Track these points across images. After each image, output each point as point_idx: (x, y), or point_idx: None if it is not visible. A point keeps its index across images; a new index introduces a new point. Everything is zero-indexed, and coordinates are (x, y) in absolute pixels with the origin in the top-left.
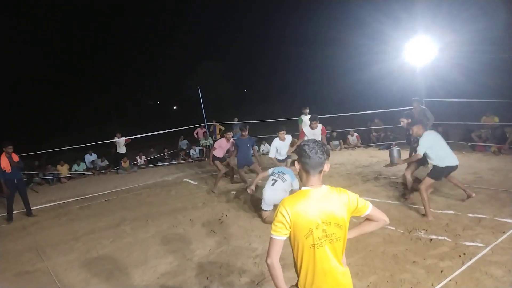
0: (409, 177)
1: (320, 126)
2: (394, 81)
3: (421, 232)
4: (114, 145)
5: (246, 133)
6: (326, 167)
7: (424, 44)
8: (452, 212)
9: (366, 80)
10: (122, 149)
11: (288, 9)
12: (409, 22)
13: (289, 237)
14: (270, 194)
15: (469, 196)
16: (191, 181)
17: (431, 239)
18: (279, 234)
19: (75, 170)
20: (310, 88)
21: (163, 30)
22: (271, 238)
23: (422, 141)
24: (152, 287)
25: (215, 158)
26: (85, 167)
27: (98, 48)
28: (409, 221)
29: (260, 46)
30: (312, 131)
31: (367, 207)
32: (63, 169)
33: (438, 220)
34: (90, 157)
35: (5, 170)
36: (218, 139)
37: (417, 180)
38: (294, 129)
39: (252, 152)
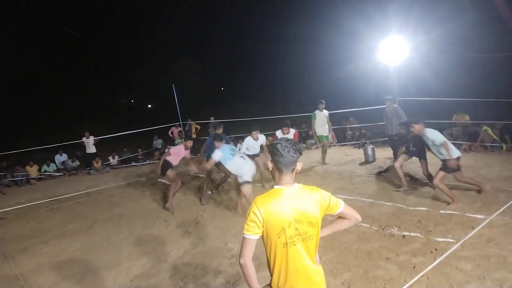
0: (399, 169)
1: (292, 131)
2: (369, 80)
3: (394, 229)
4: (82, 146)
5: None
6: (299, 166)
7: (397, 44)
8: (424, 208)
9: (342, 78)
10: (91, 149)
11: (265, 7)
12: (383, 22)
13: (262, 236)
14: (251, 166)
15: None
16: (166, 182)
17: (403, 236)
18: (252, 233)
19: (45, 171)
20: (287, 87)
21: (138, 27)
22: (243, 238)
23: (434, 135)
24: None
25: (168, 166)
26: (55, 168)
27: (69, 46)
28: (382, 218)
29: (237, 44)
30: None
31: (339, 205)
32: (33, 170)
33: (410, 217)
34: (61, 158)
35: None
36: (194, 138)
37: (429, 176)
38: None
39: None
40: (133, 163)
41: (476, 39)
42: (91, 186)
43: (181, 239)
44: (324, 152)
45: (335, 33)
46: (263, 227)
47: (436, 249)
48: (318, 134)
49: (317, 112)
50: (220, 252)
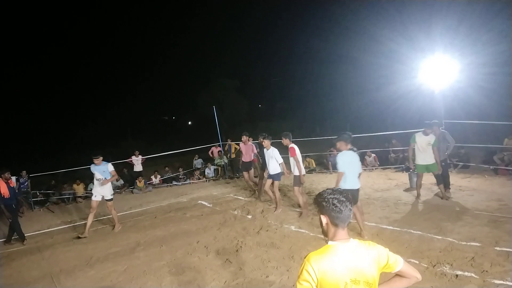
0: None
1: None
2: (411, 101)
3: (446, 266)
4: (128, 164)
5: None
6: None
7: (442, 65)
8: (478, 244)
9: (383, 100)
10: (138, 167)
11: (304, 27)
12: (427, 43)
13: None
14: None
15: None
16: (206, 203)
17: (457, 275)
18: None
19: (91, 189)
20: (326, 106)
21: (178, 47)
22: None
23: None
24: None
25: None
26: None
27: (112, 63)
28: (433, 254)
29: (276, 63)
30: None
31: (398, 263)
32: (79, 188)
33: (463, 253)
34: None
35: (4, 196)
36: (233, 158)
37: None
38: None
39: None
40: (174, 182)
41: None
42: (134, 206)
43: (221, 268)
44: (419, 184)
45: (375, 52)
46: (317, 287)
47: None
48: (416, 162)
49: (417, 135)
50: (261, 285)
